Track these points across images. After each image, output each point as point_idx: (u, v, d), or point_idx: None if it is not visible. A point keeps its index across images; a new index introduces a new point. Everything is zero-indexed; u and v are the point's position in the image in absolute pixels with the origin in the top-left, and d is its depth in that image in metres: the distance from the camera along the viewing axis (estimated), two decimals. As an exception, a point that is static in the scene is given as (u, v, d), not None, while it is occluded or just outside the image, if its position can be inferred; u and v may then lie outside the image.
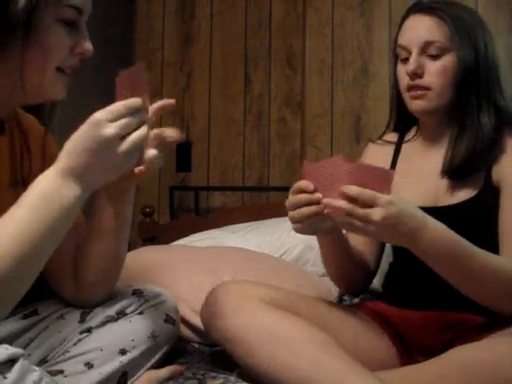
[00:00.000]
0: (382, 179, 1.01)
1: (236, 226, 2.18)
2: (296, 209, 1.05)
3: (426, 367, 1.03)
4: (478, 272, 1.06)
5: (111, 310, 1.10)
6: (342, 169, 1.02)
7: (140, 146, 0.90)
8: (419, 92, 1.23)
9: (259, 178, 2.50)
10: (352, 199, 0.99)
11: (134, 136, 0.88)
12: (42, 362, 1.06)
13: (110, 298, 1.13)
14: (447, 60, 1.21)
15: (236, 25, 2.57)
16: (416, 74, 1.22)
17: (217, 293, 1.15)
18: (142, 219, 2.46)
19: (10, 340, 1.03)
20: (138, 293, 1.14)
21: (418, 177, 1.30)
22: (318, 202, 1.03)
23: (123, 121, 0.87)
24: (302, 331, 1.06)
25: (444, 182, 1.26)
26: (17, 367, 0.73)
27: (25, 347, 1.05)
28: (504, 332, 1.07)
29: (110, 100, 0.89)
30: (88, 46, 0.98)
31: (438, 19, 1.22)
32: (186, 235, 2.18)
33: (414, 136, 1.36)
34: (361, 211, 0.99)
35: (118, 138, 0.86)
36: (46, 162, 1.07)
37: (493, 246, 1.16)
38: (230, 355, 1.12)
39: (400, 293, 1.30)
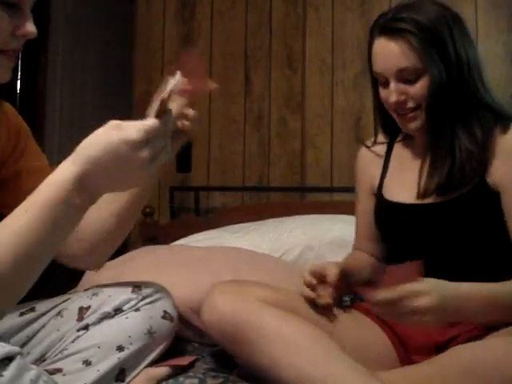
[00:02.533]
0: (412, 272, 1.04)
1: (236, 226, 2.18)
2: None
3: (425, 367, 1.03)
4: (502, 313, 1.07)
5: (108, 307, 1.10)
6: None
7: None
8: (410, 115, 1.22)
9: (259, 178, 2.50)
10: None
11: (162, 158, 0.85)
12: (40, 361, 1.06)
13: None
14: (424, 82, 1.18)
15: (236, 25, 2.57)
16: (400, 102, 1.21)
17: (216, 293, 1.15)
18: (142, 219, 2.46)
19: (7, 337, 1.03)
20: (136, 289, 1.14)
21: (410, 174, 1.30)
22: None
23: (157, 140, 0.83)
24: (301, 331, 1.06)
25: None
26: (13, 365, 0.72)
27: (23, 345, 1.06)
28: (504, 331, 1.07)
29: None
30: (31, 27, 0.93)
31: (403, 44, 1.18)
32: (186, 235, 2.18)
33: (405, 136, 1.36)
34: (410, 305, 1.00)
35: (149, 159, 0.82)
36: (26, 147, 1.09)
37: (488, 242, 1.17)
38: (230, 354, 1.12)
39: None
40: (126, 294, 1.13)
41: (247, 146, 2.53)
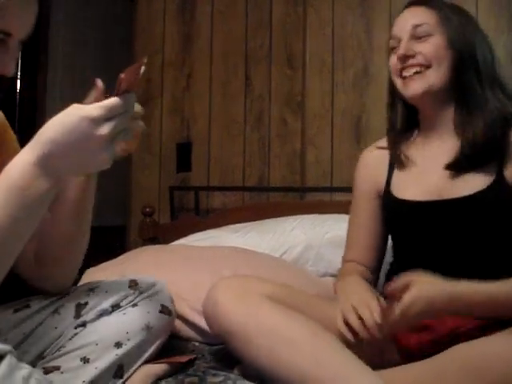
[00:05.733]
0: None
1: (236, 225, 2.18)
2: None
3: (426, 365, 1.03)
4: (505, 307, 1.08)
5: (106, 304, 1.10)
6: None
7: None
8: (415, 76, 1.22)
9: (259, 178, 2.49)
10: None
11: (124, 136, 0.85)
12: (38, 359, 1.05)
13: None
14: (436, 40, 1.22)
15: (236, 25, 2.57)
16: (407, 57, 1.23)
17: (218, 288, 1.15)
18: (142, 219, 2.46)
19: (1, 334, 1.02)
20: (133, 284, 1.13)
21: (420, 173, 1.29)
22: None
23: (117, 121, 0.83)
24: (302, 327, 1.06)
25: (449, 174, 1.23)
26: (4, 363, 0.72)
27: (19, 343, 1.05)
28: (504, 331, 1.07)
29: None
30: (10, 69, 0.93)
31: (426, 7, 1.25)
32: (186, 235, 2.17)
33: (414, 135, 1.35)
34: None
35: (109, 138, 0.82)
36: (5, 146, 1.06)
37: (506, 238, 1.16)
38: (232, 350, 1.12)
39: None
40: (123, 289, 1.12)
41: (247, 146, 2.52)
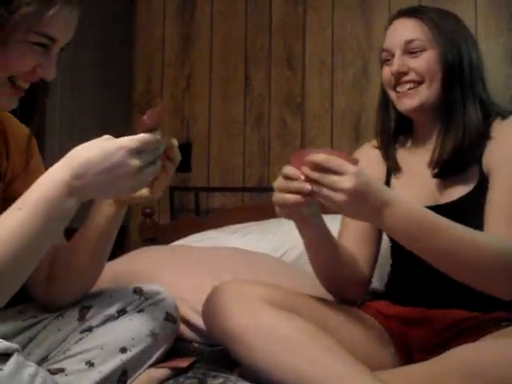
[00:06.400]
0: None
1: (236, 226, 2.18)
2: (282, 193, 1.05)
3: (426, 367, 1.03)
4: (451, 244, 1.04)
5: (112, 309, 1.10)
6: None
7: (150, 179, 0.94)
8: (409, 91, 1.24)
9: (259, 178, 2.49)
10: (321, 169, 0.98)
11: (150, 170, 0.91)
12: (42, 361, 1.06)
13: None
14: (428, 56, 1.23)
15: (236, 25, 2.57)
16: (401, 73, 1.24)
17: (217, 292, 1.15)
18: (142, 220, 2.46)
19: (7, 339, 1.03)
20: (137, 291, 1.14)
21: (415, 178, 1.31)
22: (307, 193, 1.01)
23: (148, 154, 0.89)
24: (301, 330, 1.06)
25: (441, 181, 1.26)
26: (12, 361, 0.74)
27: (24, 346, 1.05)
28: (504, 332, 1.08)
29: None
30: (51, 73, 0.97)
31: (418, 20, 1.25)
32: (186, 236, 2.17)
33: (408, 141, 1.36)
34: (330, 178, 0.98)
35: (138, 169, 0.88)
36: (30, 164, 1.10)
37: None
38: (231, 354, 1.12)
39: (403, 292, 1.30)
40: (128, 295, 1.13)
41: (247, 146, 2.53)
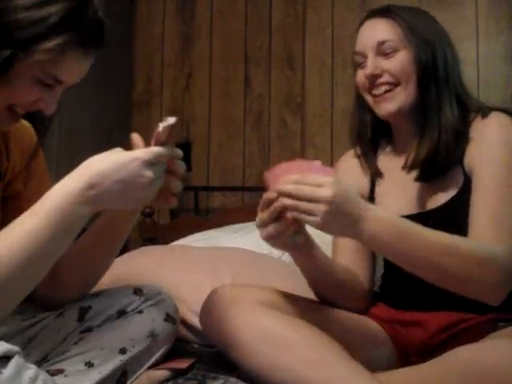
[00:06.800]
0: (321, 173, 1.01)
1: (236, 226, 2.18)
2: (271, 223, 1.06)
3: (425, 369, 1.02)
4: (430, 251, 1.02)
5: (112, 310, 1.10)
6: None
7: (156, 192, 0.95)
8: (386, 95, 1.21)
9: (259, 178, 2.49)
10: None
11: (158, 182, 0.93)
12: (42, 361, 1.06)
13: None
14: (402, 57, 1.21)
15: (236, 25, 2.57)
16: (375, 76, 1.22)
17: (214, 296, 1.14)
18: (142, 219, 2.45)
19: (6, 340, 1.02)
20: (138, 292, 1.14)
21: (398, 184, 1.28)
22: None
23: (160, 167, 0.92)
24: (300, 333, 1.06)
25: (425, 185, 1.23)
26: (12, 363, 0.74)
27: (23, 347, 1.05)
28: (504, 333, 1.07)
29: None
30: (51, 108, 0.98)
31: (390, 20, 1.23)
32: (186, 235, 2.17)
33: (387, 147, 1.35)
34: (307, 189, 0.97)
35: (151, 180, 0.90)
36: (31, 163, 1.11)
37: None
38: (230, 359, 1.11)
39: (396, 295, 1.29)
40: (128, 295, 1.13)
41: (247, 146, 2.52)
